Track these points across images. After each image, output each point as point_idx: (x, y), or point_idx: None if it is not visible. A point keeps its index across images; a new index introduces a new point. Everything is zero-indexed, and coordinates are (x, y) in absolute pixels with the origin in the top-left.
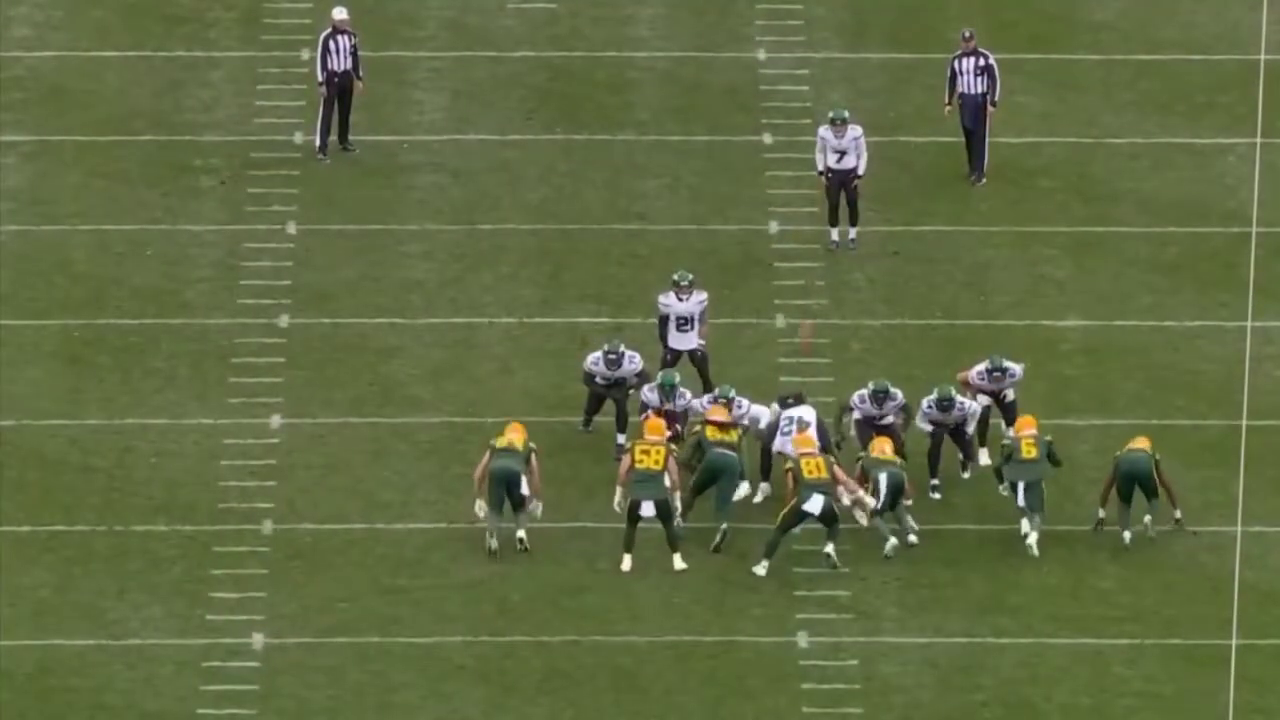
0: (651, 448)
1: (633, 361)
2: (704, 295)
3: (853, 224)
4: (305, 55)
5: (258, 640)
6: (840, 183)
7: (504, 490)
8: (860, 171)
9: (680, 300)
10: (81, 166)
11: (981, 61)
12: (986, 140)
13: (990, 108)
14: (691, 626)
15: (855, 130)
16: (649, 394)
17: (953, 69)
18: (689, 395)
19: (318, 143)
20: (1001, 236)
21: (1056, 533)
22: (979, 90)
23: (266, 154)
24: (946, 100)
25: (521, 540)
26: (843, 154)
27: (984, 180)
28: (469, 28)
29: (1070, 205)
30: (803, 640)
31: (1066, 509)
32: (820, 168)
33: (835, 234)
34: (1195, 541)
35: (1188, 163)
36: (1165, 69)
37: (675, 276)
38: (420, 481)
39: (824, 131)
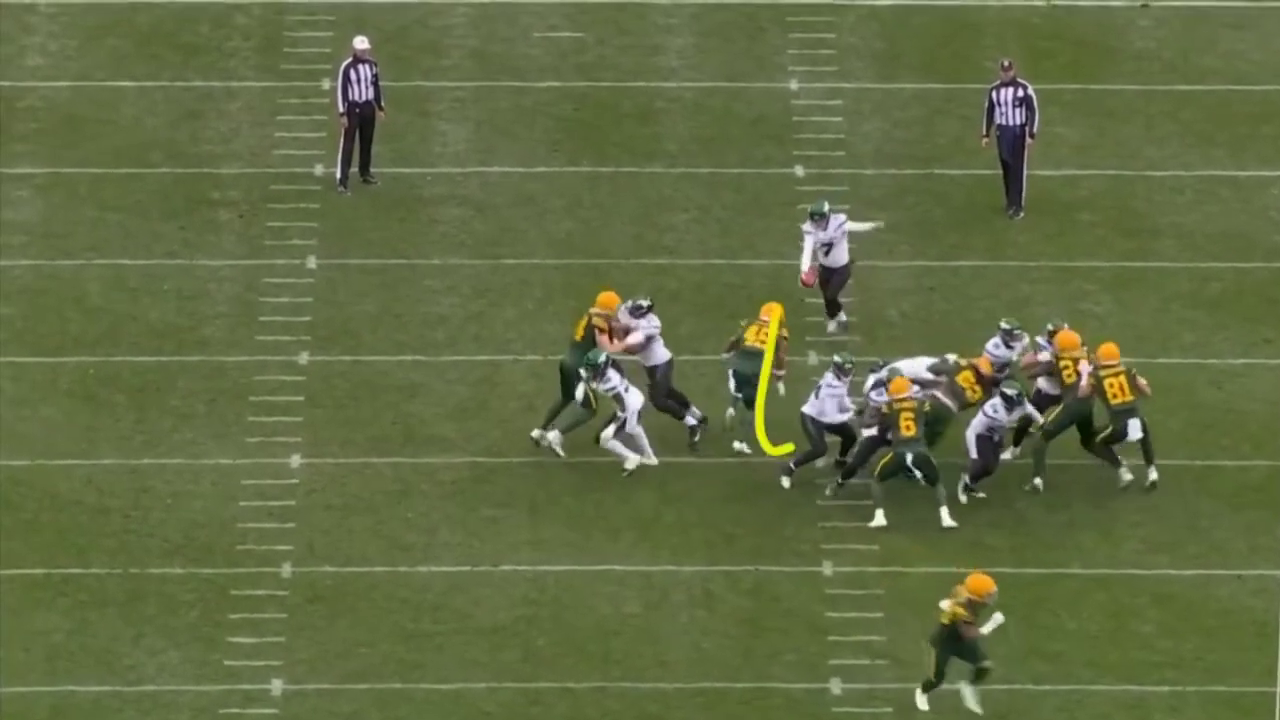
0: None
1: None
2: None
3: (832, 315)
4: (325, 85)
5: (276, 686)
6: (827, 278)
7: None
8: (845, 260)
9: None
10: (96, 199)
11: (1020, 92)
12: (1024, 173)
13: (1029, 139)
14: (721, 672)
15: (838, 219)
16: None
17: (990, 99)
18: (616, 377)
19: (338, 175)
20: (1040, 271)
21: (1097, 576)
22: (1017, 121)
23: (286, 186)
24: (983, 132)
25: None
26: (830, 246)
27: (1022, 213)
28: (493, 57)
29: (1110, 239)
30: (836, 687)
31: (1104, 550)
32: (806, 269)
33: (832, 324)
34: (1239, 585)
35: (1231, 195)
36: (1208, 99)
37: (631, 302)
38: (443, 523)
39: (809, 228)
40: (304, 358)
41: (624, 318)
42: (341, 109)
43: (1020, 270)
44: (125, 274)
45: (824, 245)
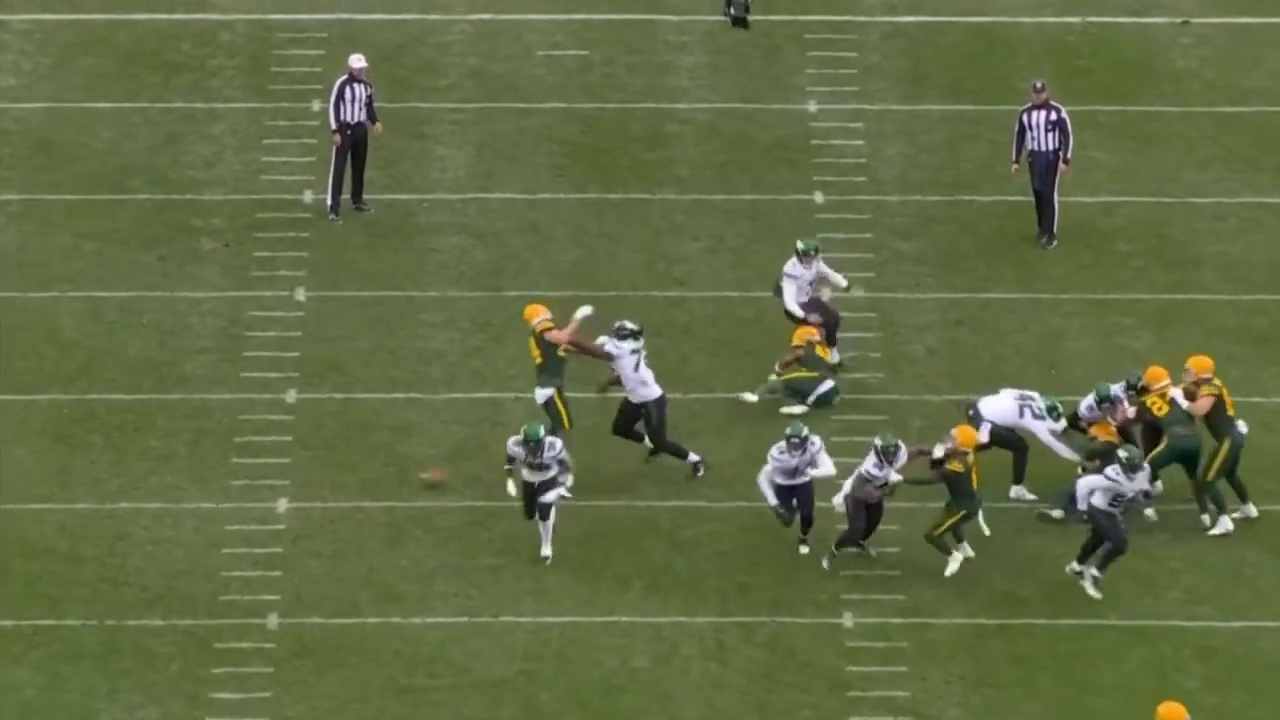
0: None
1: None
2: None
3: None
4: (316, 107)
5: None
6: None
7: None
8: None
9: None
10: (71, 227)
11: (1053, 115)
12: (1057, 200)
13: (1062, 165)
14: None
15: (819, 260)
16: (514, 447)
17: (1021, 123)
18: (559, 445)
19: (329, 201)
20: (1074, 304)
21: (1137, 628)
22: (1050, 147)
23: (273, 214)
24: (1014, 157)
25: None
26: (812, 285)
27: (1055, 243)
28: (494, 76)
29: (1149, 270)
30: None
31: (1144, 601)
32: (798, 312)
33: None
34: None
35: (1278, 224)
36: (1253, 121)
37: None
38: (439, 571)
39: (795, 269)
40: (292, 396)
41: (606, 342)
42: (334, 127)
43: (1053, 303)
44: (102, 307)
45: (809, 283)
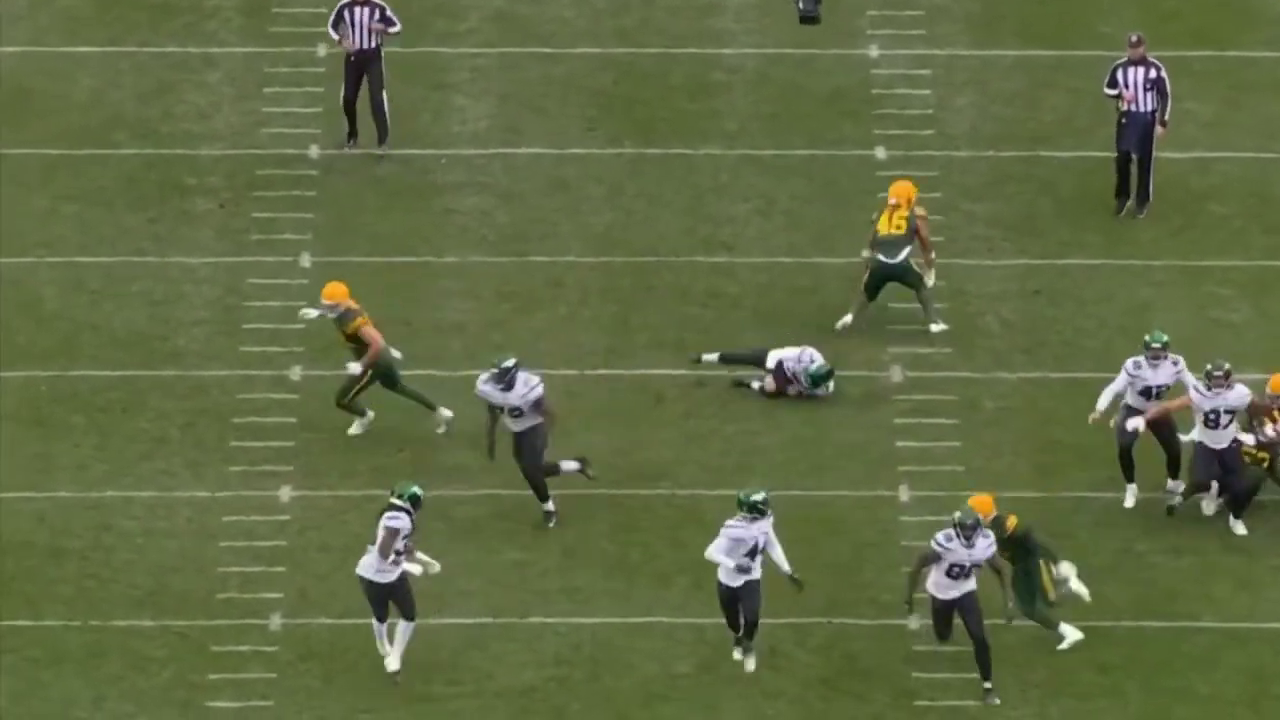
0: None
1: (528, 385)
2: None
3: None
4: (322, 52)
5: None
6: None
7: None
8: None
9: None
10: (50, 187)
11: (1152, 73)
12: (1153, 166)
13: (1159, 128)
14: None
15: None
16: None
17: (1115, 79)
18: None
19: (346, 127)
20: (1164, 271)
21: (1232, 630)
22: (1148, 108)
23: (275, 171)
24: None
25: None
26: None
27: (1145, 212)
28: (519, 19)
29: (1247, 234)
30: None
31: (1240, 601)
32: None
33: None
34: None
35: None
36: None
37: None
38: (459, 568)
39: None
40: (296, 372)
41: (487, 387)
42: (335, 38)
43: (1141, 271)
44: (85, 274)
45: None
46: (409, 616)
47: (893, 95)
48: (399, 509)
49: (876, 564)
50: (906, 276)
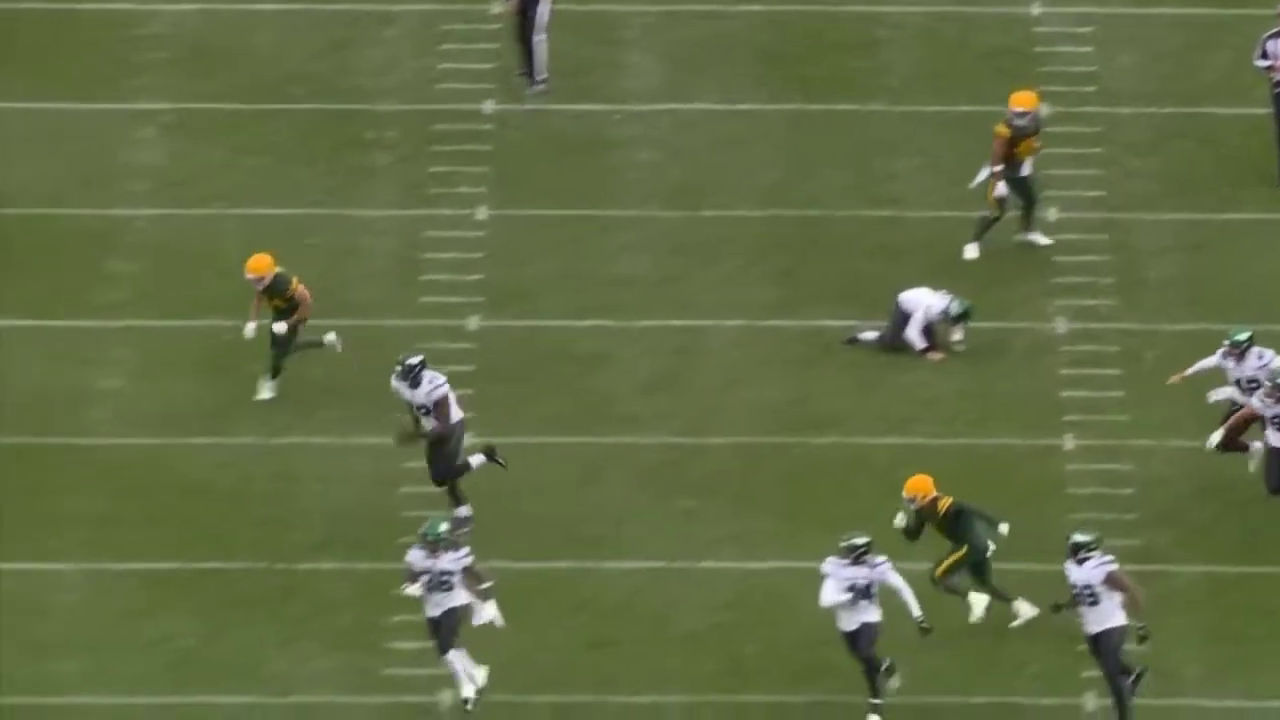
0: None
1: (432, 384)
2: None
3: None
4: (496, 8)
5: (446, 699)
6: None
7: None
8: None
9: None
10: (230, 140)
11: None
12: None
13: None
14: (956, 686)
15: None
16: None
17: (1264, 50)
18: (464, 550)
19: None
20: None
21: None
22: None
23: (451, 125)
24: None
25: None
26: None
27: None
28: None
29: None
30: (1090, 702)
31: None
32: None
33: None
34: None
35: None
36: None
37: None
38: (633, 513)
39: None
40: (473, 322)
41: (397, 383)
42: None
43: None
44: (264, 226)
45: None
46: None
47: (1055, 53)
48: (422, 545)
49: (1041, 512)
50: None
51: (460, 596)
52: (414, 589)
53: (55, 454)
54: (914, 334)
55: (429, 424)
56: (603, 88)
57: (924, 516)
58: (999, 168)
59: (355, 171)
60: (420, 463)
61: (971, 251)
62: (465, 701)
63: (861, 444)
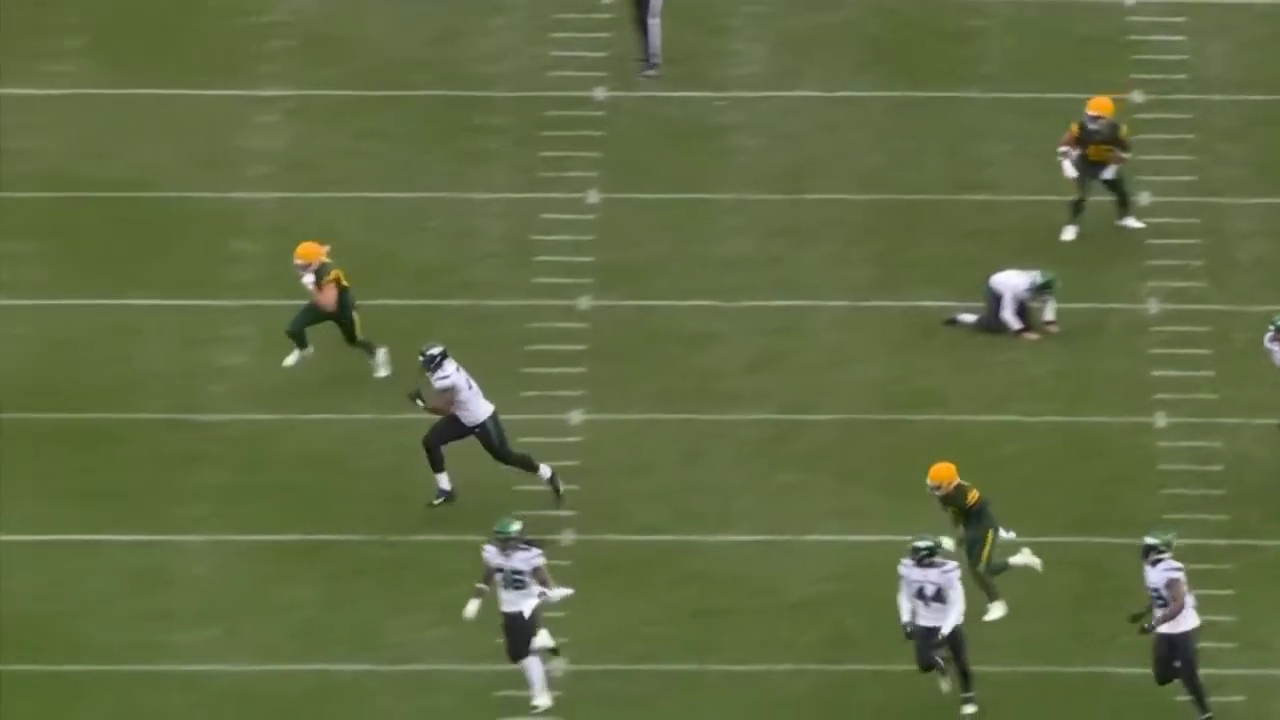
0: None
1: (444, 373)
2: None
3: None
4: None
5: (557, 667)
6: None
7: None
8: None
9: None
10: (350, 125)
11: None
12: None
13: None
14: (1051, 656)
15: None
16: (488, 550)
17: None
18: (535, 551)
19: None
20: None
21: None
22: None
23: (563, 111)
24: None
25: None
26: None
27: None
28: None
29: None
30: (1198, 673)
31: None
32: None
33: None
34: None
35: None
36: None
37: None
38: (740, 487)
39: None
40: (584, 302)
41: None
42: None
43: None
44: (383, 209)
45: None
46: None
47: (1148, 41)
48: (494, 542)
49: (1134, 485)
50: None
51: (533, 599)
52: (471, 609)
53: (183, 429)
54: (1008, 315)
55: (455, 410)
56: (710, 75)
57: (951, 502)
58: (1064, 149)
59: (470, 156)
60: (535, 438)
61: (1069, 233)
62: (535, 709)
63: (960, 421)
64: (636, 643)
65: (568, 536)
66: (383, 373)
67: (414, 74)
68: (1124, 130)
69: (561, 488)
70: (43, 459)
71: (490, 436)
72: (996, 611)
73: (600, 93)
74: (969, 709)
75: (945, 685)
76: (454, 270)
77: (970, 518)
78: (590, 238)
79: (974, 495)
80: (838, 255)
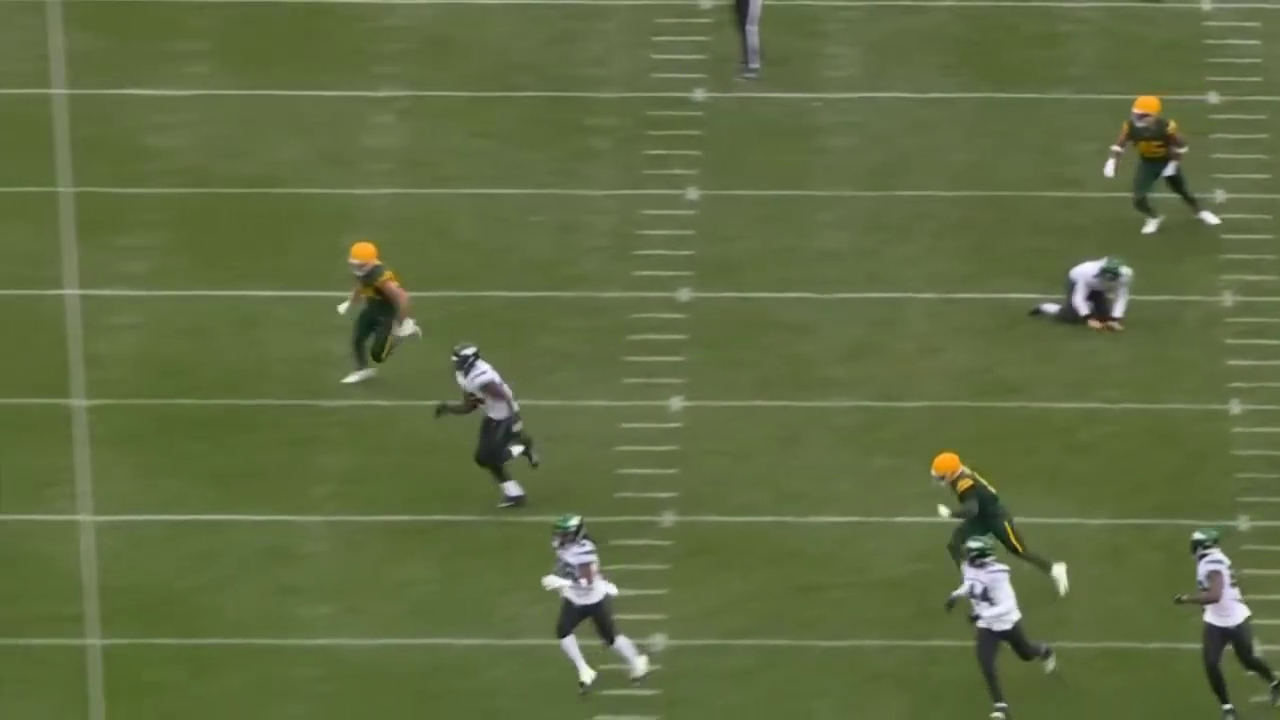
0: None
1: (479, 372)
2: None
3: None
4: (707, 4)
5: (659, 641)
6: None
7: None
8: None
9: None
10: (463, 125)
11: None
12: None
13: None
14: (1131, 633)
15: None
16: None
17: None
18: (587, 547)
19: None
20: None
21: None
22: None
23: (664, 112)
24: None
25: None
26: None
27: None
28: None
29: None
30: (1256, 650)
31: None
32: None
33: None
34: None
35: None
36: None
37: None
38: (835, 471)
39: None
40: (685, 294)
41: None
42: None
43: None
44: (494, 204)
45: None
46: (608, 639)
47: (1225, 45)
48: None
49: (1211, 468)
50: None
51: (596, 591)
52: (551, 580)
53: (307, 414)
54: (1079, 300)
55: (486, 409)
56: (805, 77)
57: (970, 490)
58: (1117, 147)
59: (576, 155)
60: (637, 424)
61: (1150, 226)
62: (581, 685)
63: (1044, 408)
64: (736, 618)
65: (668, 518)
66: (353, 379)
67: (523, 76)
68: (1172, 126)
69: (519, 503)
70: (178, 442)
71: (496, 432)
72: (1059, 572)
73: (700, 94)
74: (1049, 664)
75: (1050, 665)
76: (561, 264)
77: (984, 511)
78: (690, 232)
79: (963, 483)
80: (928, 249)
